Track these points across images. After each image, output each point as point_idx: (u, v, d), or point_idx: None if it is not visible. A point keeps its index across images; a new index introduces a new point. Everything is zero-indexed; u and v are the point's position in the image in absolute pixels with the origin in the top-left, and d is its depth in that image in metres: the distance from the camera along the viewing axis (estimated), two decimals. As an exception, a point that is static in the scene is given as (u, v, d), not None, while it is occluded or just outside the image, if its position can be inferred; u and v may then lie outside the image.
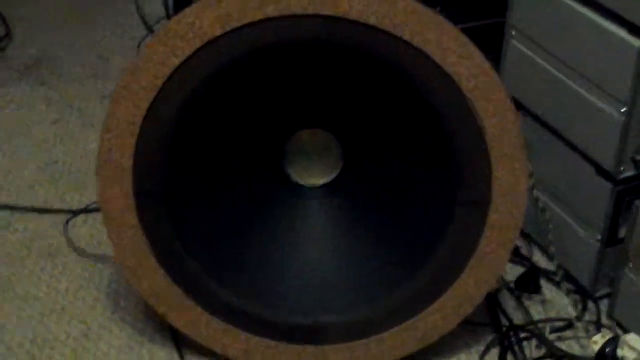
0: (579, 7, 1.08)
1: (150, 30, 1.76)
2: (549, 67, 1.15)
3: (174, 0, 1.46)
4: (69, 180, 1.44)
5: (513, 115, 0.99)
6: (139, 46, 1.73)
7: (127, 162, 1.00)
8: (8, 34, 1.80)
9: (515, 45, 1.20)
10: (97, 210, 1.32)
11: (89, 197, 1.39)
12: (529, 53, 1.18)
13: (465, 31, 1.27)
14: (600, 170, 1.12)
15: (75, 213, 1.36)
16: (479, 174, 1.00)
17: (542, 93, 1.17)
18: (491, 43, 1.24)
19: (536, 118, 1.20)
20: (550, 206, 1.20)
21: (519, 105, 1.18)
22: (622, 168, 1.10)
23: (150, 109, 0.98)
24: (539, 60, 1.16)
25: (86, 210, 1.36)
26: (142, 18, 1.84)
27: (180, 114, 0.99)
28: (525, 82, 1.19)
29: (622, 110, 1.06)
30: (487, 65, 0.97)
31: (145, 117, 0.99)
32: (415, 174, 1.04)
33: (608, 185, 1.11)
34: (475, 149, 0.98)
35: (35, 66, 1.72)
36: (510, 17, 1.19)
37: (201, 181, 1.06)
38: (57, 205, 1.38)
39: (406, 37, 0.95)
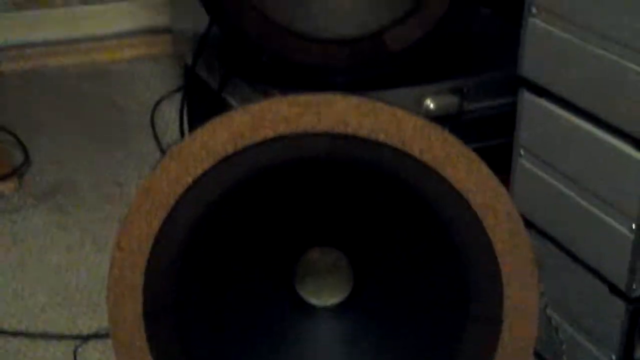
0: (587, 125, 1.10)
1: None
2: (558, 184, 1.16)
3: (189, 126, 1.50)
4: (81, 304, 1.44)
5: (523, 232, 0.99)
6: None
7: (138, 281, 1.00)
8: (27, 161, 1.83)
9: (524, 164, 1.21)
10: (107, 335, 1.31)
11: (100, 321, 1.38)
12: (538, 172, 1.19)
13: (473, 151, 1.29)
14: (613, 289, 1.11)
15: (85, 339, 1.35)
16: (490, 290, 0.99)
17: (552, 211, 1.18)
18: (500, 164, 1.26)
19: (547, 236, 1.20)
20: (564, 325, 1.19)
21: (529, 224, 1.19)
22: (634, 286, 1.09)
23: (162, 227, 0.99)
24: (548, 178, 1.17)
25: (97, 336, 1.35)
26: (158, 143, 1.88)
27: (192, 232, 1.00)
28: (535, 200, 1.20)
29: (633, 227, 1.06)
30: (495, 181, 0.98)
31: (157, 236, 0.99)
32: (425, 290, 1.04)
33: (622, 304, 1.11)
34: (485, 264, 0.98)
35: (52, 193, 1.75)
36: (519, 137, 1.21)
37: (211, 301, 1.05)
38: (68, 329, 1.38)
39: (415, 153, 0.97)
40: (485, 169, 0.98)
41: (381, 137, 0.96)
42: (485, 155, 1.31)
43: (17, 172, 1.78)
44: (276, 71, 1.21)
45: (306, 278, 1.09)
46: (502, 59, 1.32)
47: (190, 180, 0.98)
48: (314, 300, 1.11)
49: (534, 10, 1.12)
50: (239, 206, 1.00)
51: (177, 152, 0.97)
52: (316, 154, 0.98)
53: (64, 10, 2.27)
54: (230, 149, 0.97)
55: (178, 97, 2.01)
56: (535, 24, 1.12)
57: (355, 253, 1.08)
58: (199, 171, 0.98)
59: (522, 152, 1.22)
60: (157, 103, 2.05)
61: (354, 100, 0.96)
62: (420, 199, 0.98)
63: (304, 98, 0.96)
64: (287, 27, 1.18)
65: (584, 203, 1.12)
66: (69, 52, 2.24)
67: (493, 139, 1.30)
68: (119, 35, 2.29)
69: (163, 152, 1.82)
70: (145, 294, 1.01)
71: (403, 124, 0.96)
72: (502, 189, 0.98)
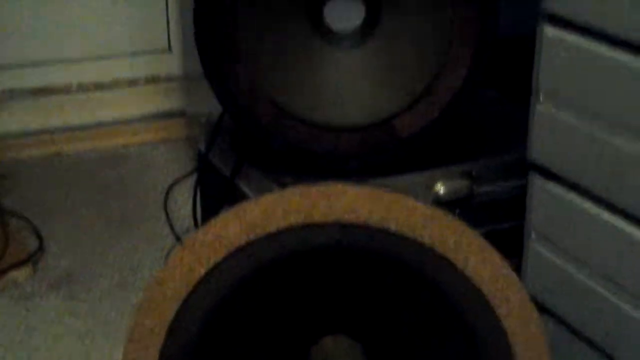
0: (597, 208, 1.10)
1: (178, 239, 1.80)
2: (569, 268, 1.16)
3: (202, 210, 1.51)
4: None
5: (536, 320, 0.99)
6: (167, 256, 1.76)
7: (152, 373, 1.00)
8: (41, 247, 1.84)
9: (535, 247, 1.21)
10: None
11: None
12: (550, 255, 1.19)
13: (485, 235, 1.30)
14: (629, 373, 1.11)
15: None
16: (506, 378, 0.99)
17: (563, 294, 1.18)
18: (511, 247, 1.26)
19: (559, 320, 1.19)
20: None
21: (541, 308, 1.19)
22: (649, 370, 1.08)
23: (175, 319, 1.00)
24: (560, 262, 1.17)
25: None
26: (172, 228, 1.90)
27: (205, 323, 1.00)
28: (546, 284, 1.20)
29: (646, 311, 1.06)
30: (507, 268, 0.98)
31: (170, 328, 1.00)
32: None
33: (638, 388, 1.10)
34: (499, 353, 0.98)
35: (66, 279, 1.75)
36: (529, 220, 1.21)
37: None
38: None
39: (426, 242, 0.97)
40: (497, 257, 0.98)
41: (392, 226, 0.97)
42: (497, 238, 1.31)
43: (31, 259, 1.78)
44: (288, 158, 1.22)
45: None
46: (511, 142, 1.33)
47: (203, 271, 0.99)
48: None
49: (541, 96, 1.13)
50: (251, 296, 1.01)
51: (191, 243, 0.99)
52: (327, 243, 0.98)
53: (80, 96, 2.31)
54: (243, 240, 0.98)
55: (191, 180, 2.03)
56: (543, 110, 1.13)
57: (369, 340, 1.07)
58: (212, 262, 0.99)
59: (533, 235, 1.22)
60: (171, 187, 2.07)
61: (364, 190, 0.97)
62: (432, 287, 0.98)
63: (315, 189, 0.97)
64: (299, 115, 1.20)
65: (596, 287, 1.12)
66: (85, 137, 2.27)
67: (504, 221, 1.31)
68: (134, 120, 2.32)
69: (176, 236, 1.83)
70: (159, 387, 1.01)
71: (413, 212, 0.97)
72: (515, 278, 0.98)
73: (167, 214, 1.96)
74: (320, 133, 1.21)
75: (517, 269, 1.26)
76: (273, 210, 0.97)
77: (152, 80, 2.35)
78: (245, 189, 1.29)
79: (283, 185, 1.20)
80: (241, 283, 1.00)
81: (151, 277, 1.00)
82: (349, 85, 1.21)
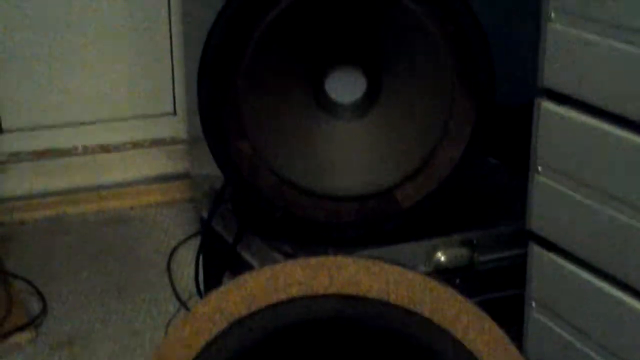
0: (597, 280, 1.11)
1: (181, 303, 1.81)
2: (570, 337, 1.16)
3: (204, 276, 1.52)
4: None
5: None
6: (168, 325, 1.76)
7: None
8: (44, 310, 1.84)
9: (536, 316, 1.22)
10: None
11: None
12: (550, 324, 1.19)
13: (485, 303, 1.31)
14: None
15: None
16: None
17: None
18: (512, 315, 1.27)
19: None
20: None
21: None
22: None
23: (176, 390, 1.00)
24: (560, 331, 1.17)
25: None
26: (175, 292, 1.90)
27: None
28: (547, 354, 1.20)
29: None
30: (505, 338, 0.99)
31: (171, 399, 1.00)
32: None
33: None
34: None
35: (68, 343, 1.75)
36: (529, 290, 1.22)
37: None
38: None
39: (425, 314, 0.98)
40: (495, 329, 0.99)
41: (391, 298, 0.98)
42: (497, 305, 1.32)
43: (34, 322, 1.79)
44: (289, 227, 1.23)
45: None
46: (511, 211, 1.34)
47: (204, 342, 0.99)
48: None
49: (539, 168, 1.15)
50: (252, 367, 1.02)
51: (191, 315, 0.99)
52: (328, 314, 0.99)
53: (85, 158, 2.33)
54: (243, 312, 0.99)
55: (194, 242, 2.04)
56: (541, 181, 1.15)
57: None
58: (213, 333, 0.99)
59: (533, 304, 1.23)
60: (174, 249, 2.08)
61: (364, 262, 0.98)
62: (431, 358, 0.99)
63: (315, 261, 0.98)
64: (300, 185, 1.22)
65: (596, 356, 1.12)
66: (88, 199, 2.29)
67: (505, 290, 1.31)
68: (138, 182, 2.34)
69: (179, 300, 1.84)
70: None
71: (413, 285, 0.98)
72: (513, 349, 0.99)
73: (170, 278, 1.96)
74: (321, 203, 1.22)
75: (518, 337, 1.26)
76: (274, 282, 0.98)
77: (157, 143, 2.37)
78: (247, 257, 1.31)
79: (284, 254, 1.21)
80: (242, 354, 1.00)
81: (153, 349, 1.00)
82: (349, 156, 1.23)
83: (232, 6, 1.17)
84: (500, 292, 1.31)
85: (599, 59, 1.03)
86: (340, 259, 0.99)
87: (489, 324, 0.99)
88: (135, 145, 2.36)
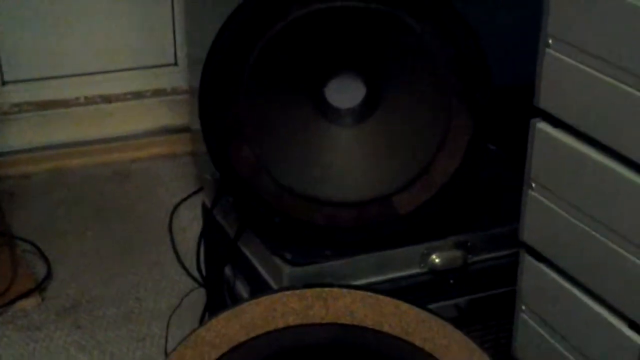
0: (583, 294, 1.15)
1: (184, 268, 1.85)
2: (552, 341, 1.20)
3: (205, 263, 1.54)
4: None
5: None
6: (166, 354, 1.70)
7: None
8: (49, 274, 1.88)
9: (525, 319, 1.26)
10: None
11: None
12: (537, 327, 1.23)
13: (477, 301, 1.35)
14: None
15: None
16: None
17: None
18: (502, 311, 1.31)
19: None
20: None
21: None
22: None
23: (178, 407, 1.05)
24: (545, 334, 1.22)
25: None
26: (177, 254, 1.94)
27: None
28: (532, 352, 1.25)
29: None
30: (494, 367, 1.03)
31: (174, 415, 1.05)
32: None
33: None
34: None
35: (72, 308, 1.80)
36: (520, 294, 1.25)
37: None
38: None
39: (418, 343, 1.02)
40: (485, 358, 1.03)
41: (385, 328, 1.02)
42: (489, 303, 1.36)
43: (39, 287, 1.83)
44: (288, 231, 1.26)
45: None
46: (504, 212, 1.37)
47: (205, 364, 1.04)
48: None
49: (533, 184, 1.17)
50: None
51: (193, 341, 1.03)
52: (324, 341, 1.03)
53: (87, 109, 2.34)
54: (242, 338, 1.03)
55: (196, 200, 2.07)
56: (535, 195, 1.17)
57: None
58: (213, 357, 1.04)
59: (523, 307, 1.27)
60: (175, 209, 2.11)
61: (359, 294, 1.02)
62: (423, 385, 1.03)
63: (311, 292, 1.02)
64: (300, 191, 1.24)
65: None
66: (90, 152, 2.31)
67: (496, 288, 1.35)
68: (139, 135, 2.36)
69: (181, 263, 1.88)
70: None
71: (406, 315, 1.02)
72: (501, 376, 1.03)
73: (172, 242, 2.00)
74: (320, 208, 1.25)
75: (508, 332, 1.31)
76: (272, 311, 1.02)
77: (158, 93, 2.38)
78: (248, 254, 1.34)
79: (284, 260, 1.24)
80: (241, 376, 1.05)
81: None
82: (349, 163, 1.25)
83: (238, 17, 1.18)
84: (492, 290, 1.35)
85: (593, 92, 1.04)
86: (336, 291, 1.02)
87: (480, 355, 1.03)
88: (137, 95, 2.37)
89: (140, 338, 1.72)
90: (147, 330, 1.73)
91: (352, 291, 1.02)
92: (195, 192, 2.15)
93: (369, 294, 1.02)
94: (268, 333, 1.02)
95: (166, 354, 1.60)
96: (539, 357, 1.26)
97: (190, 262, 1.83)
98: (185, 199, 2.15)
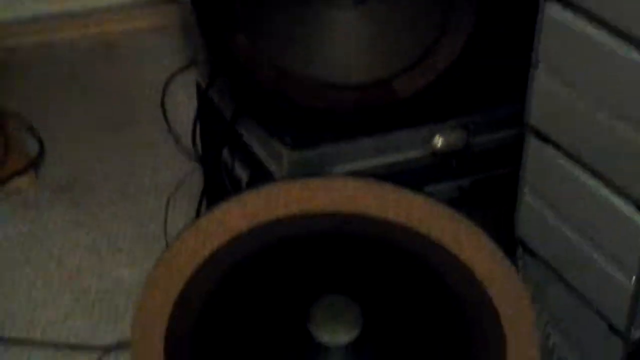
0: (586, 176, 1.13)
1: (180, 148, 1.82)
2: (555, 222, 1.19)
3: (202, 144, 1.51)
4: (102, 311, 1.50)
5: (527, 301, 1.03)
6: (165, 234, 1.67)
7: (159, 346, 1.06)
8: (42, 152, 1.85)
9: (528, 201, 1.25)
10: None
11: (122, 331, 1.44)
12: (540, 209, 1.22)
13: (480, 182, 1.33)
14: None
15: (107, 350, 1.41)
16: (494, 354, 1.05)
17: (556, 246, 1.22)
18: (504, 193, 1.29)
19: (550, 267, 1.24)
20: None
21: (532, 254, 1.24)
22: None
23: (180, 295, 1.04)
24: (547, 215, 1.21)
25: (118, 347, 1.42)
26: (170, 129, 1.91)
27: (209, 300, 1.05)
28: (535, 233, 1.24)
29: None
30: (500, 254, 1.02)
31: (176, 303, 1.04)
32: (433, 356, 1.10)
33: (620, 343, 1.16)
34: (491, 334, 1.03)
35: (68, 186, 1.78)
36: (524, 176, 1.24)
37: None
38: (91, 338, 1.43)
39: (423, 230, 1.00)
40: (491, 244, 1.02)
41: (390, 216, 1.00)
42: (492, 184, 1.35)
43: (33, 165, 1.81)
44: (288, 115, 1.23)
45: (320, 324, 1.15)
46: (507, 92, 1.34)
47: (207, 253, 1.02)
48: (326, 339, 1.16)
49: (540, 66, 1.14)
50: (253, 276, 1.05)
51: (194, 229, 1.02)
52: (327, 229, 1.02)
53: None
54: (244, 227, 1.01)
55: (187, 75, 2.03)
56: (542, 79, 1.14)
57: (365, 302, 1.13)
58: (215, 245, 1.02)
59: (526, 189, 1.25)
60: (167, 83, 2.06)
61: (363, 182, 1.00)
62: (429, 273, 1.02)
63: (314, 182, 1.00)
64: (300, 75, 1.21)
65: (576, 241, 1.17)
66: (78, 24, 2.25)
67: (499, 168, 1.33)
68: (128, 6, 2.29)
69: (174, 138, 1.85)
70: (166, 358, 1.06)
71: (410, 203, 0.99)
72: (507, 262, 1.02)
73: (164, 114, 1.96)
74: (320, 91, 1.21)
75: (511, 213, 1.30)
76: (274, 201, 1.00)
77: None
78: (246, 138, 1.31)
79: (284, 144, 1.21)
80: (242, 264, 1.04)
81: (159, 256, 1.03)
82: (348, 46, 1.21)
83: None
84: (495, 170, 1.34)
85: (580, 119, 1.07)
86: (341, 179, 1.00)
87: (484, 240, 1.01)
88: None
89: (137, 217, 1.70)
90: (143, 209, 1.72)
91: (356, 180, 0.99)
92: (186, 67, 2.10)
93: (374, 182, 0.99)
94: (270, 222, 1.00)
95: (165, 234, 1.59)
96: (543, 239, 1.25)
97: (185, 141, 1.80)
98: (176, 73, 2.09)
